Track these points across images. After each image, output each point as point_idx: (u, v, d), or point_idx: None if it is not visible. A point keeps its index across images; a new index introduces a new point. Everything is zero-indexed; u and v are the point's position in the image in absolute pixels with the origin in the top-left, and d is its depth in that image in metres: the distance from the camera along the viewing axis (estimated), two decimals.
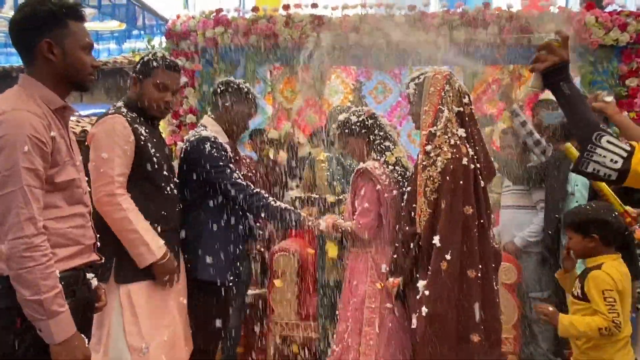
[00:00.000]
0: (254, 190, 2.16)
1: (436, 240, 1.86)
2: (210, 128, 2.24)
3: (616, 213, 1.97)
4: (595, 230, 1.93)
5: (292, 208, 2.24)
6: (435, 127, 1.95)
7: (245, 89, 2.32)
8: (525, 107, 3.62)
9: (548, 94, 3.32)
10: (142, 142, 1.88)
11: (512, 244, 3.02)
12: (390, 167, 2.20)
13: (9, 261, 1.24)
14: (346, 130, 2.30)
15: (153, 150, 1.92)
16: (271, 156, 3.59)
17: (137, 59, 2.29)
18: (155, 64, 1.97)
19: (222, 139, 2.23)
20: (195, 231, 2.14)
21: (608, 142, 1.26)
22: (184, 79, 3.43)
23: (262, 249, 3.08)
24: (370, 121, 2.27)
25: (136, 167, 1.88)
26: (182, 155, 2.22)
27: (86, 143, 1.90)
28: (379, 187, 2.15)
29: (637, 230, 2.05)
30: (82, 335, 1.34)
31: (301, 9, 3.42)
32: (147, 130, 1.94)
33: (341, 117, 2.35)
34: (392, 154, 2.23)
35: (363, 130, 2.26)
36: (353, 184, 2.24)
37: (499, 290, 2.03)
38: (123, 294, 1.84)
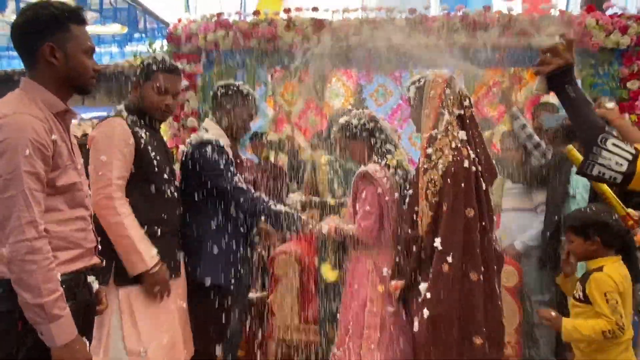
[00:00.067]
0: (255, 194, 2.17)
1: (438, 242, 1.86)
2: (211, 131, 2.25)
3: (616, 215, 1.96)
4: (597, 233, 1.93)
5: (293, 211, 2.24)
6: (436, 130, 1.95)
7: (245, 91, 2.33)
8: (526, 110, 3.62)
9: (548, 97, 3.34)
10: (142, 145, 1.89)
11: (513, 248, 3.02)
12: (391, 170, 2.20)
13: (10, 264, 1.24)
14: (347, 133, 2.31)
15: (153, 153, 1.93)
16: (272, 159, 3.60)
17: (138, 62, 2.30)
18: (155, 67, 1.98)
19: (224, 141, 2.23)
20: (197, 234, 2.15)
21: (613, 144, 1.26)
22: (184, 82, 3.44)
23: (263, 252, 3.08)
24: (371, 124, 2.27)
25: (136, 170, 1.88)
26: (183, 158, 2.22)
27: (87, 146, 1.91)
28: (380, 190, 2.14)
29: (638, 234, 2.04)
30: (83, 339, 1.34)
31: (302, 12, 3.43)
32: (147, 133, 1.95)
33: (342, 120, 2.35)
34: (393, 157, 2.23)
35: (364, 133, 2.26)
36: (354, 186, 2.24)
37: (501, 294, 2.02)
38: (122, 297, 1.84)
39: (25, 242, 1.23)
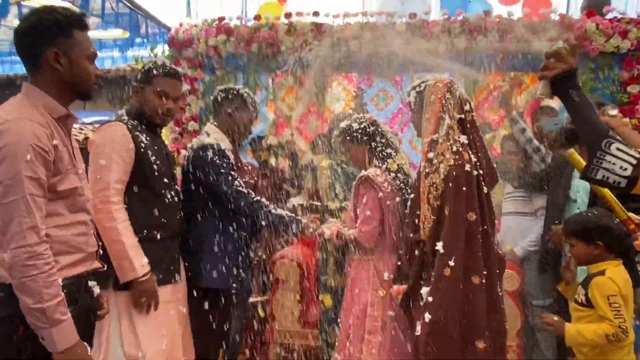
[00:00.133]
0: (255, 198, 2.17)
1: (440, 246, 1.86)
2: (213, 135, 2.26)
3: (617, 219, 1.96)
4: (600, 238, 1.92)
5: (294, 215, 2.24)
6: (437, 135, 1.96)
7: (245, 94, 2.34)
8: (526, 114, 3.63)
9: (549, 102, 3.34)
10: (142, 150, 1.89)
11: (513, 254, 3.01)
12: (392, 174, 2.20)
13: (11, 270, 1.24)
14: (348, 138, 2.31)
15: (154, 157, 1.93)
16: (272, 163, 3.60)
17: (140, 67, 2.31)
18: (155, 72, 1.99)
19: (226, 145, 2.24)
20: (199, 238, 2.15)
21: (618, 149, 1.27)
22: (186, 87, 3.45)
23: (264, 256, 3.08)
24: (371, 128, 2.27)
25: (136, 174, 1.88)
26: (185, 162, 2.23)
27: (88, 150, 1.91)
28: (381, 194, 2.15)
29: (639, 238, 2.04)
30: (85, 343, 1.34)
31: (303, 17, 3.44)
32: (148, 138, 1.95)
33: (343, 124, 2.36)
34: (394, 161, 2.23)
35: (365, 138, 2.27)
36: (355, 191, 2.24)
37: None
38: (122, 302, 1.84)
39: (27, 248, 1.23)
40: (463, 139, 1.97)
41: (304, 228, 2.19)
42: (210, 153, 2.15)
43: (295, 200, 3.07)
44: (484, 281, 1.86)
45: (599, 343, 1.84)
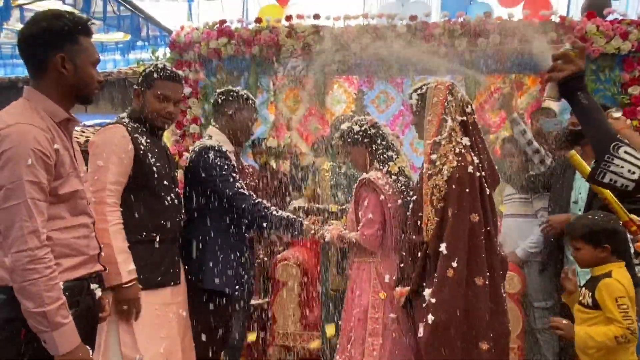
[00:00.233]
0: (257, 200, 2.17)
1: (443, 247, 1.86)
2: (215, 137, 2.26)
3: (620, 221, 1.96)
4: (607, 241, 1.92)
5: (295, 217, 2.24)
6: (439, 137, 1.96)
7: (245, 96, 2.34)
8: (526, 116, 3.63)
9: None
10: (141, 152, 1.89)
11: (514, 255, 3.01)
12: (393, 176, 2.20)
13: (12, 274, 1.24)
14: (349, 140, 2.31)
15: (153, 160, 1.93)
16: (273, 165, 3.60)
17: (141, 69, 2.31)
18: (156, 75, 1.99)
19: (228, 147, 2.25)
20: (200, 240, 2.15)
21: (626, 152, 1.27)
22: (187, 90, 3.46)
23: (265, 258, 3.08)
24: (372, 130, 2.27)
25: (135, 176, 1.88)
26: (187, 165, 2.23)
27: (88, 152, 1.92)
28: (382, 197, 2.14)
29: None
30: (86, 346, 1.34)
31: (303, 19, 3.45)
32: (148, 140, 1.95)
33: (344, 126, 2.36)
34: (395, 163, 2.23)
35: (366, 140, 2.27)
36: (356, 193, 2.24)
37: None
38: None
39: (28, 252, 1.24)
40: (465, 141, 1.97)
41: (305, 230, 2.19)
42: (211, 155, 2.15)
43: (296, 203, 3.07)
44: (487, 282, 1.86)
45: (609, 345, 1.83)
